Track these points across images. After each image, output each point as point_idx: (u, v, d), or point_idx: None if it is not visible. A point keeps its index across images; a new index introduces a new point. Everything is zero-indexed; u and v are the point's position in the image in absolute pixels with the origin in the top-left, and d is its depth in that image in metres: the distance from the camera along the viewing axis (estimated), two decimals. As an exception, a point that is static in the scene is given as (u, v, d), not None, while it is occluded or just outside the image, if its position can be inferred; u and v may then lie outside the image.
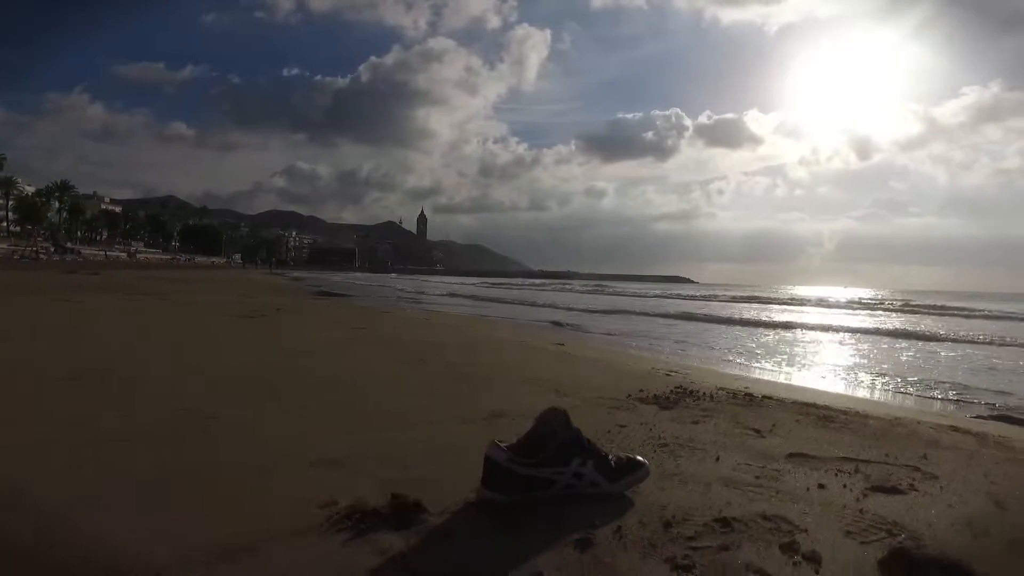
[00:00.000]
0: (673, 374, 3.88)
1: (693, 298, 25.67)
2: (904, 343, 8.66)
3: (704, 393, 2.93)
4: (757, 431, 2.24)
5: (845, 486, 1.65)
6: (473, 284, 41.43)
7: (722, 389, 3.07)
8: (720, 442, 2.05)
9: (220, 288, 15.59)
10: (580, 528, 1.31)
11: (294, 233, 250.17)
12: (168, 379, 2.98)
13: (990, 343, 8.82)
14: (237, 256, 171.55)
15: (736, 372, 5.08)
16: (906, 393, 4.53)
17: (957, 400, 4.21)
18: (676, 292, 36.10)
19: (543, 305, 15.70)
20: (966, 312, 16.70)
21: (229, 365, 3.56)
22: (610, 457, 1.53)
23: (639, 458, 1.60)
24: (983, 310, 18.04)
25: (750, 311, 16.31)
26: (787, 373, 5.53)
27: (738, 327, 10.71)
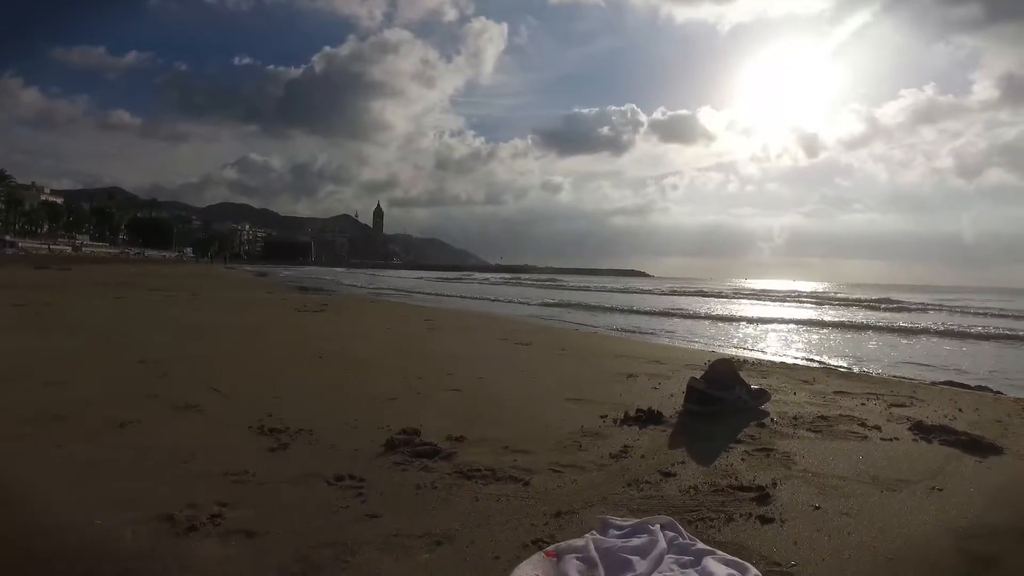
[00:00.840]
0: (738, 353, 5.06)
1: (679, 293, 27.03)
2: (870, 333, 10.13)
3: (763, 363, 4.12)
4: (807, 381, 3.43)
5: (876, 403, 2.84)
6: (450, 279, 41.53)
7: (769, 362, 4.27)
8: (790, 387, 3.22)
9: (216, 285, 16.05)
10: (750, 422, 2.43)
11: (247, 226, 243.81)
12: (402, 359, 3.94)
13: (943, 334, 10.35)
14: (188, 250, 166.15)
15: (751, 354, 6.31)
16: (881, 364, 5.85)
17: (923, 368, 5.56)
18: (682, 290, 37.55)
19: (568, 305, 15.43)
20: (920, 306, 18.58)
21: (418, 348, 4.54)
22: (753, 387, 2.68)
23: (765, 388, 2.75)
24: (920, 304, 20.06)
25: (747, 307, 17.72)
26: (792, 354, 6.76)
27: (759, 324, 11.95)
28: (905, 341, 8.80)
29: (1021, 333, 9.62)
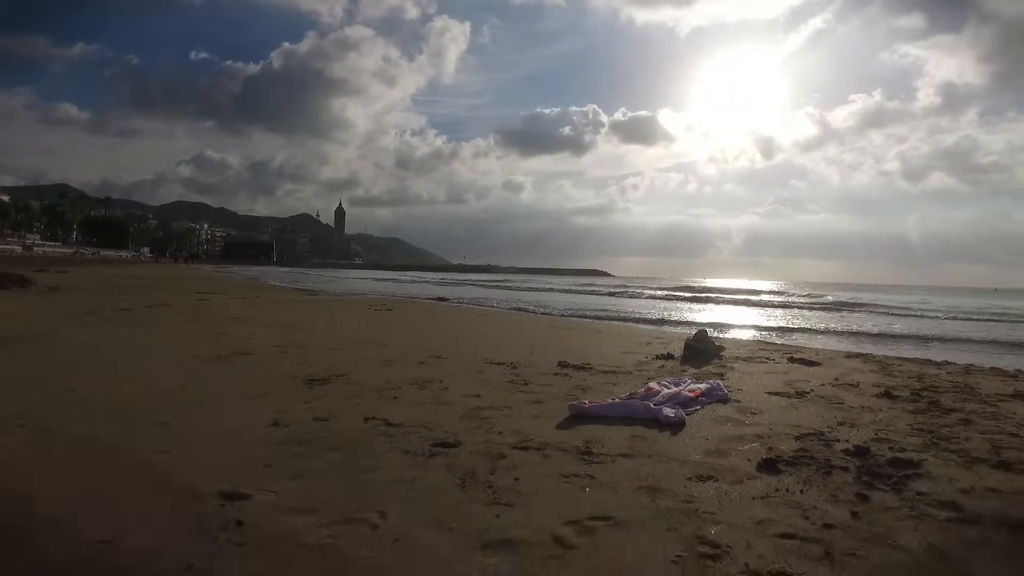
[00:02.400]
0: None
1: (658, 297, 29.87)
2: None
3: (722, 336, 6.76)
4: (745, 344, 6.07)
5: (777, 352, 5.50)
6: (429, 281, 43.20)
7: (723, 336, 6.92)
8: (733, 345, 5.84)
9: (229, 288, 18.05)
10: (714, 359, 5.04)
11: (206, 226, 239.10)
12: (523, 337, 6.41)
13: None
14: (146, 250, 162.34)
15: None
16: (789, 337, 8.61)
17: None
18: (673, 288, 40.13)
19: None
20: (838, 305, 21.82)
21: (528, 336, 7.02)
22: (716, 343, 5.31)
23: (722, 344, 5.40)
24: (844, 301, 23.38)
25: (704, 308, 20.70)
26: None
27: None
28: (814, 324, 11.72)
29: (895, 329, 12.56)
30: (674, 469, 2.26)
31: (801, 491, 2.06)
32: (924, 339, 9.48)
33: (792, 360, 5.11)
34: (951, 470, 2.31)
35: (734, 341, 6.59)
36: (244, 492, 1.94)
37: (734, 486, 2.10)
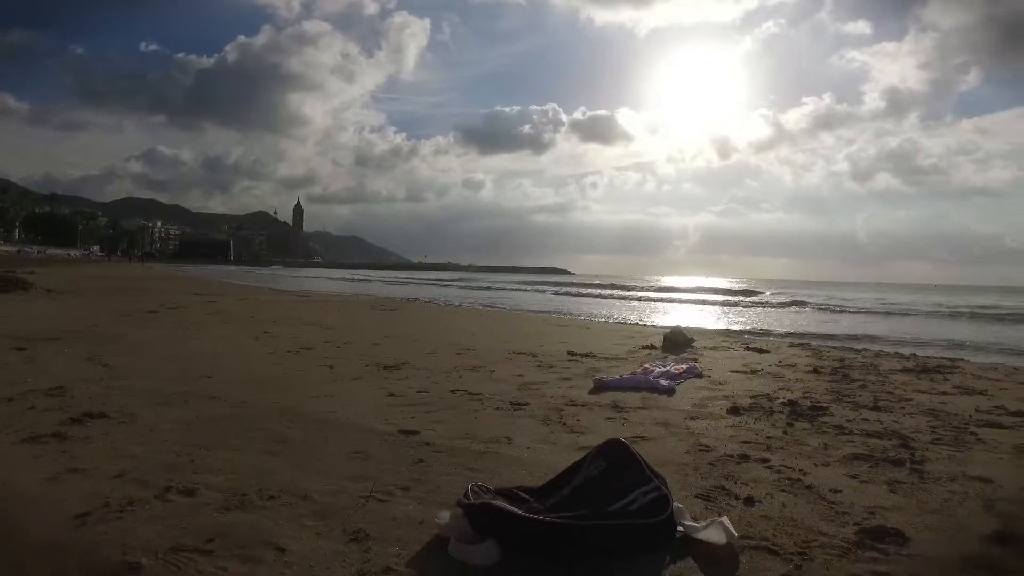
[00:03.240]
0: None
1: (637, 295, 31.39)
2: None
3: (691, 328, 8.14)
4: (710, 336, 7.45)
5: (736, 341, 6.87)
6: (416, 281, 43.57)
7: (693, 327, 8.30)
8: (702, 336, 7.20)
9: (203, 288, 18.73)
10: (687, 349, 6.38)
11: (159, 223, 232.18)
12: (517, 334, 7.61)
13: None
14: (95, 248, 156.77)
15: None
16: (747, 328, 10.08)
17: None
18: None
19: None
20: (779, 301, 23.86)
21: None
22: (689, 336, 6.66)
23: (693, 337, 6.76)
24: (783, 298, 25.47)
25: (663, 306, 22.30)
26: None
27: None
28: (765, 321, 13.34)
29: (830, 326, 14.34)
30: (675, 414, 3.54)
31: (754, 422, 3.36)
32: (854, 336, 11.14)
33: (747, 348, 6.51)
34: (845, 411, 3.66)
35: (701, 333, 7.96)
36: (414, 429, 3.11)
37: (713, 420, 3.39)
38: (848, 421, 3.43)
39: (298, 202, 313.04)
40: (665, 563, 1.74)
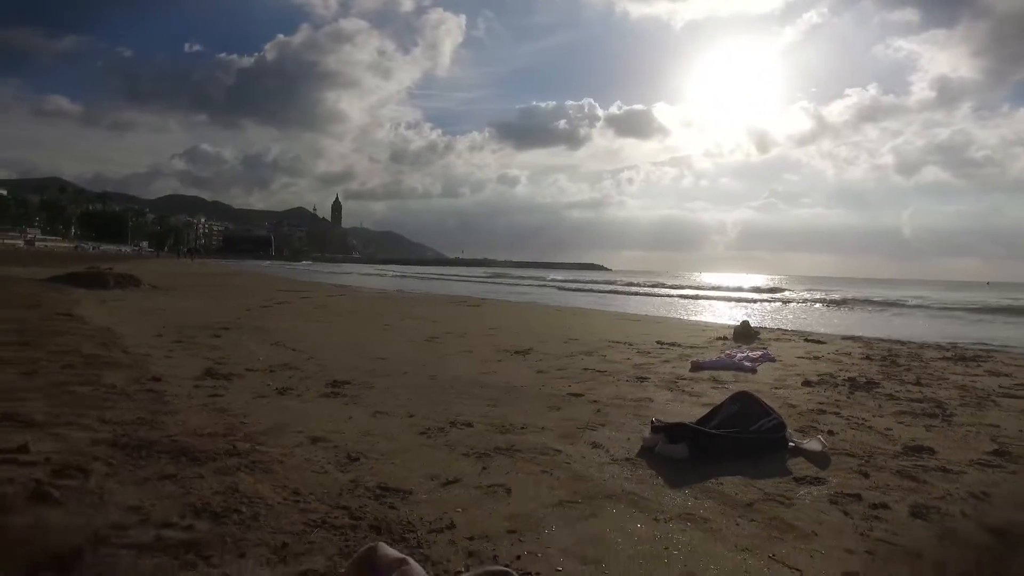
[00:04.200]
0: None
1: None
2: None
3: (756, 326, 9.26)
4: (771, 330, 8.56)
5: (796, 335, 7.99)
6: (460, 278, 43.48)
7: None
8: (765, 331, 8.32)
9: (283, 284, 20.35)
10: (755, 339, 7.54)
11: (203, 220, 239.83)
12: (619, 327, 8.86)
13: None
14: (144, 244, 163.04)
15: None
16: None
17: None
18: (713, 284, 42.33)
19: None
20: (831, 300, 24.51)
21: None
22: (755, 328, 7.81)
23: (759, 328, 7.91)
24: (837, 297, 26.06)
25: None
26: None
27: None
28: (819, 318, 14.28)
29: (877, 321, 15.13)
30: (762, 385, 4.73)
31: (823, 391, 4.54)
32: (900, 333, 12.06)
33: (806, 340, 7.61)
34: (893, 385, 4.80)
35: (762, 328, 9.06)
36: (578, 392, 4.35)
37: (792, 390, 4.58)
38: (896, 391, 4.57)
39: (336, 198, 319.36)
40: (784, 459, 2.95)
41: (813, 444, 3.06)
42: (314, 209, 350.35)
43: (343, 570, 1.46)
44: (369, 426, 3.30)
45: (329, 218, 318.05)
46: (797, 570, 1.86)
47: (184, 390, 3.90)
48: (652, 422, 3.24)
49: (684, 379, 4.95)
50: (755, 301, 23.68)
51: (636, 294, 27.00)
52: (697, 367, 5.42)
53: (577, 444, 3.11)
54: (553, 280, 42.11)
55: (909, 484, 2.64)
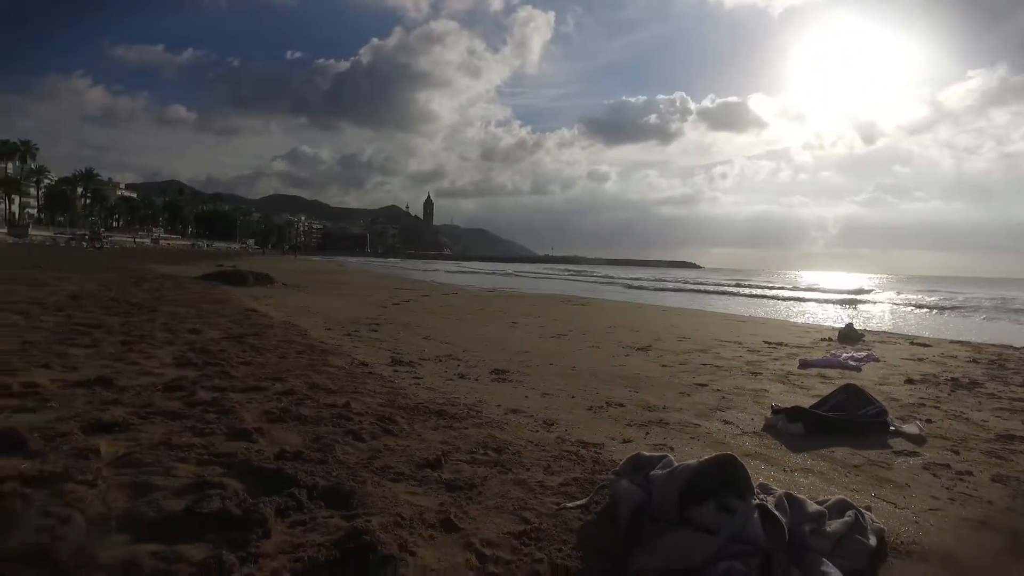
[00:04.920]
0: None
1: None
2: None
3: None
4: (874, 332, 8.93)
5: (902, 337, 8.36)
6: (554, 276, 43.96)
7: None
8: (869, 333, 8.72)
9: (393, 282, 21.98)
10: (859, 341, 8.00)
11: (303, 218, 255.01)
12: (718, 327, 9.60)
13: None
14: (251, 241, 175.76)
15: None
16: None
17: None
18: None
19: None
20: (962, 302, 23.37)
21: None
22: (857, 329, 8.27)
23: (863, 331, 8.35)
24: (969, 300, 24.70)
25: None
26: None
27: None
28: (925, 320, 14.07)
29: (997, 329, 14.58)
30: (866, 382, 5.34)
31: (925, 389, 5.13)
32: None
33: (912, 343, 7.98)
34: (997, 386, 5.29)
35: (866, 330, 9.40)
36: (703, 383, 5.19)
37: (896, 387, 5.20)
38: (998, 391, 5.09)
39: (428, 196, 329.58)
40: (886, 439, 3.69)
41: (911, 427, 3.78)
42: (407, 207, 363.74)
43: (617, 468, 2.45)
44: (545, 403, 4.30)
45: (421, 216, 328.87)
46: (892, 503, 2.67)
47: (387, 373, 5.06)
48: (772, 406, 4.07)
49: (794, 375, 5.66)
50: (860, 303, 23.13)
51: (736, 295, 26.87)
52: (805, 365, 6.09)
53: (712, 421, 3.99)
54: (647, 279, 42.22)
55: (995, 461, 3.33)
